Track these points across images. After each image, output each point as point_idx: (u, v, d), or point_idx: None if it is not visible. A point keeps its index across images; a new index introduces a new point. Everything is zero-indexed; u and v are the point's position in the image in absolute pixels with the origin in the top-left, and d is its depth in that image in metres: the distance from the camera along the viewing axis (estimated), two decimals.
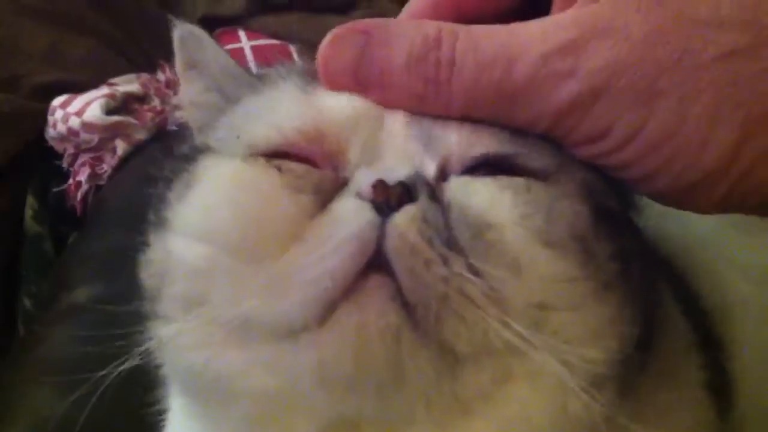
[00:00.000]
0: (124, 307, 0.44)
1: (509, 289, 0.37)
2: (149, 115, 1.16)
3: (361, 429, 0.39)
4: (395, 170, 0.39)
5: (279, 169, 0.40)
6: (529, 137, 0.40)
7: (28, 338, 0.88)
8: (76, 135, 1.11)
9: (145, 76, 1.24)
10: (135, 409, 0.52)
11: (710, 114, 0.36)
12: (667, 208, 0.43)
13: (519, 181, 0.39)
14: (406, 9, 0.47)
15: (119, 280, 0.46)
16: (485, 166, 0.40)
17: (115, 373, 0.40)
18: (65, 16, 1.32)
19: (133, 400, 0.50)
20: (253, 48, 1.33)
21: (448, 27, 0.39)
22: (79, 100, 1.13)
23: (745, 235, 0.62)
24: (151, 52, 1.34)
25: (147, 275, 0.44)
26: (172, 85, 1.21)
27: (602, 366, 0.38)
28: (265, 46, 1.32)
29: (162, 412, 0.53)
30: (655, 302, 0.44)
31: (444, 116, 0.40)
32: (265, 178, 0.40)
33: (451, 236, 0.37)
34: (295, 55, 1.28)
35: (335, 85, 0.41)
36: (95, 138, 1.12)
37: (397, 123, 0.41)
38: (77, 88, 1.18)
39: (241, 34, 1.34)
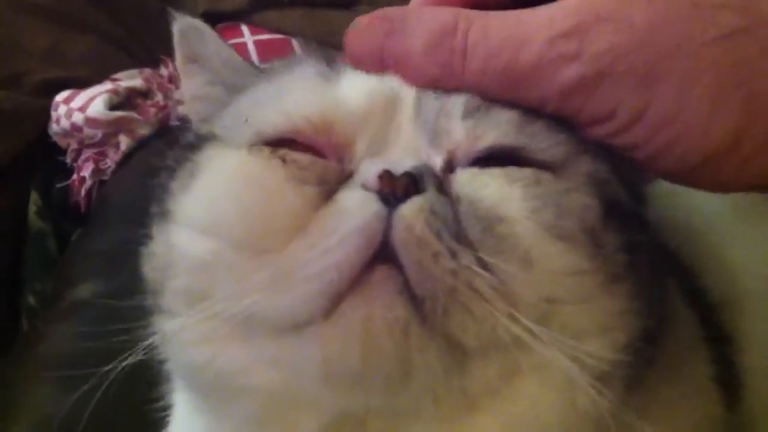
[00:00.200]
0: (128, 302, 0.44)
1: (519, 283, 0.36)
2: (152, 110, 1.16)
3: (367, 424, 0.38)
4: (402, 161, 0.39)
5: (283, 159, 0.40)
6: (536, 130, 0.40)
7: (32, 335, 0.88)
8: (80, 130, 1.11)
9: (147, 71, 1.24)
10: (139, 405, 0.52)
11: (711, 95, 0.36)
12: (674, 203, 0.42)
13: (527, 172, 0.39)
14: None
15: (123, 276, 0.46)
16: (492, 158, 0.40)
17: (119, 369, 0.40)
18: (65, 13, 1.32)
19: (137, 396, 0.49)
20: (257, 43, 1.32)
21: (464, 15, 0.41)
22: (83, 96, 1.13)
23: (752, 228, 0.62)
24: (153, 48, 1.34)
25: (149, 268, 0.43)
26: (174, 80, 1.20)
27: (610, 359, 0.38)
28: (269, 40, 1.31)
29: (166, 408, 0.53)
30: (662, 295, 0.44)
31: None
32: (268, 170, 0.40)
33: (460, 229, 0.37)
34: (297, 50, 1.27)
35: (360, 66, 0.43)
36: (99, 133, 1.12)
37: (405, 118, 0.41)
38: (79, 84, 1.17)
39: (244, 28, 1.34)
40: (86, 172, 1.12)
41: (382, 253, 0.35)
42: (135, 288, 0.44)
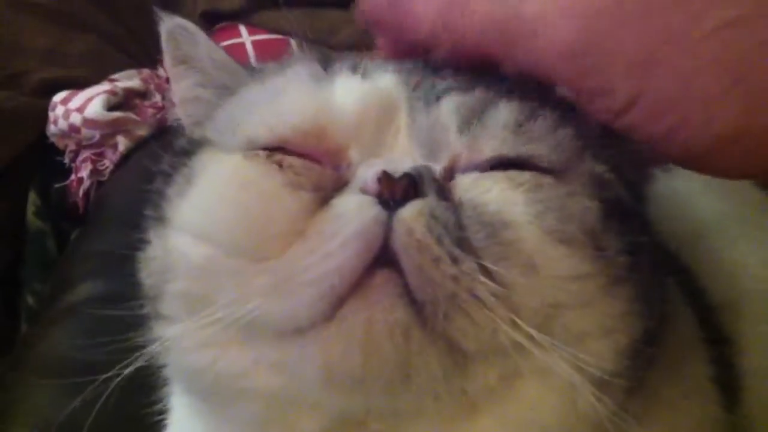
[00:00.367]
0: (126, 304, 0.44)
1: (521, 289, 0.36)
2: (150, 110, 1.16)
3: (367, 426, 0.39)
4: (401, 162, 0.38)
5: (280, 164, 0.40)
6: (535, 131, 0.40)
7: (30, 336, 0.88)
8: (78, 131, 1.11)
9: (146, 71, 1.24)
10: (137, 409, 0.52)
11: (709, 92, 0.36)
12: (674, 203, 0.42)
13: (528, 176, 0.39)
14: None
15: (121, 278, 0.46)
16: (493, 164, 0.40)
17: (121, 376, 0.39)
18: (65, 13, 1.32)
19: (135, 400, 0.49)
20: (254, 43, 1.32)
21: None
22: (81, 96, 1.13)
23: (753, 230, 0.62)
24: (151, 48, 1.34)
25: (147, 273, 0.43)
26: None
27: (611, 363, 0.38)
28: (266, 41, 1.31)
29: (164, 412, 0.52)
30: (662, 295, 0.44)
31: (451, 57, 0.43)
32: (264, 175, 0.40)
33: (462, 235, 0.36)
34: (295, 50, 1.27)
35: (370, 26, 0.45)
36: (97, 134, 1.11)
37: (400, 124, 0.41)
38: (78, 84, 1.17)
39: (242, 29, 1.33)
40: (84, 172, 1.12)
41: (383, 257, 0.35)
42: (133, 291, 0.44)
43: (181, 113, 0.51)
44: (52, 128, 1.13)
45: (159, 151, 0.48)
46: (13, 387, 0.75)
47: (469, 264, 0.35)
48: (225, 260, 0.38)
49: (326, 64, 0.44)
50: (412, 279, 0.35)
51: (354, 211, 0.36)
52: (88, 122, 1.10)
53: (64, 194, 1.14)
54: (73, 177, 1.13)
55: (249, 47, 1.32)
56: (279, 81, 0.44)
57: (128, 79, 1.20)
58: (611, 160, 0.42)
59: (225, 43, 1.33)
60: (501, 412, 0.38)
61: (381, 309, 0.35)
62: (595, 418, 0.37)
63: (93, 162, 1.12)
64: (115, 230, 0.93)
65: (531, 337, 0.36)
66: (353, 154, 0.40)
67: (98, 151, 1.13)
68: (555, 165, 0.40)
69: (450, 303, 0.35)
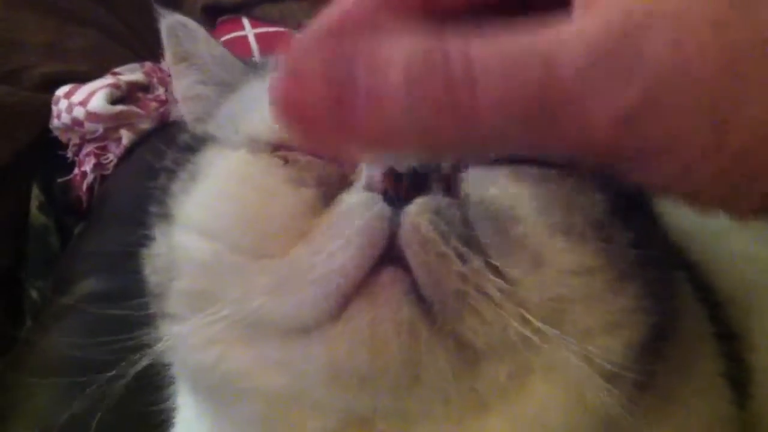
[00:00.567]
0: (130, 303, 0.43)
1: (529, 284, 0.36)
2: (153, 104, 1.15)
3: (375, 425, 0.38)
4: (406, 159, 0.38)
5: (285, 159, 0.39)
6: None
7: (32, 334, 0.88)
8: (81, 125, 1.11)
9: (149, 65, 1.23)
10: (142, 407, 0.52)
11: None
12: None
13: (534, 170, 0.38)
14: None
15: (124, 274, 0.45)
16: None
17: (127, 376, 0.39)
18: (65, 7, 1.31)
19: (140, 399, 0.49)
20: (257, 35, 1.31)
21: (444, 36, 0.28)
22: (83, 90, 1.12)
23: (761, 223, 0.61)
24: (152, 42, 1.33)
25: (151, 270, 0.43)
26: None
27: (620, 357, 0.37)
28: (270, 33, 1.31)
29: (170, 411, 0.52)
30: (671, 290, 0.43)
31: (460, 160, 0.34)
32: (268, 171, 0.39)
33: (469, 231, 0.36)
34: None
35: (302, 129, 0.29)
36: (100, 128, 1.11)
37: None
38: (79, 78, 1.17)
39: (245, 22, 1.33)
40: (88, 166, 1.12)
41: (389, 255, 0.35)
42: (136, 287, 0.44)
43: (183, 111, 0.51)
44: (55, 122, 1.13)
45: (161, 146, 0.48)
46: (14, 387, 0.75)
47: (476, 261, 0.35)
48: (229, 257, 0.38)
49: None
50: (419, 277, 0.34)
51: (359, 208, 0.35)
52: (91, 116, 1.10)
53: (67, 189, 1.14)
54: (76, 171, 1.13)
55: (252, 40, 1.32)
56: None
57: (131, 73, 1.19)
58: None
59: (228, 36, 1.32)
60: (510, 410, 0.37)
61: (388, 307, 0.34)
62: (605, 413, 0.37)
63: (96, 156, 1.12)
64: (119, 226, 0.92)
65: (540, 332, 0.35)
66: None
67: (102, 144, 1.12)
68: (560, 158, 0.39)
69: (459, 301, 0.34)
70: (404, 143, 0.29)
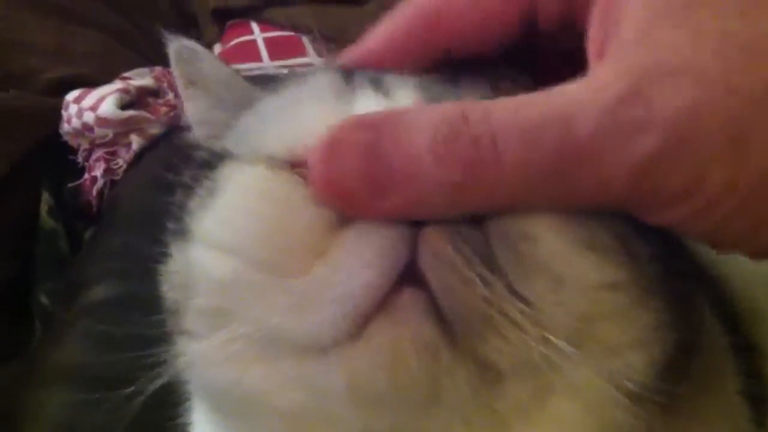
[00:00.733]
0: (146, 318, 0.43)
1: (551, 304, 0.35)
2: (163, 109, 1.16)
3: None
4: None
5: (305, 177, 0.39)
6: None
7: (45, 341, 0.88)
8: (91, 130, 1.11)
9: (158, 69, 1.24)
10: (158, 421, 0.51)
11: None
12: None
13: None
14: (370, 40, 0.42)
15: (136, 281, 0.45)
16: None
17: (146, 392, 0.39)
18: (68, 9, 1.31)
19: (156, 413, 0.49)
20: (266, 40, 1.31)
21: (470, 102, 0.33)
22: (93, 95, 1.13)
23: None
24: (161, 45, 1.33)
25: (168, 287, 0.43)
26: None
27: (643, 375, 0.37)
28: (279, 37, 1.31)
29: (184, 426, 0.52)
30: (695, 306, 0.43)
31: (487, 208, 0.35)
32: (287, 188, 0.39)
33: (488, 251, 0.36)
34: (308, 47, 1.27)
35: (342, 201, 0.35)
36: (110, 133, 1.11)
37: None
38: (86, 82, 1.17)
39: (254, 26, 1.33)
40: (97, 171, 1.12)
41: (410, 275, 0.34)
42: (148, 296, 0.44)
43: (198, 134, 0.50)
44: (65, 127, 1.13)
45: (173, 151, 0.47)
46: (27, 396, 0.75)
47: (499, 285, 0.34)
48: (247, 275, 0.38)
49: (348, 74, 0.43)
50: (441, 298, 0.34)
51: (379, 227, 0.35)
52: (101, 121, 1.10)
53: (77, 193, 1.14)
54: (86, 176, 1.13)
55: (261, 44, 1.32)
56: (297, 92, 0.43)
57: (141, 78, 1.20)
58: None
59: (237, 41, 1.32)
60: (532, 430, 0.37)
61: (409, 327, 0.34)
62: None
63: (106, 161, 1.12)
64: (129, 232, 0.92)
65: (562, 352, 0.35)
66: None
67: (111, 149, 1.13)
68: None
69: (482, 324, 0.34)
70: (433, 197, 0.33)
